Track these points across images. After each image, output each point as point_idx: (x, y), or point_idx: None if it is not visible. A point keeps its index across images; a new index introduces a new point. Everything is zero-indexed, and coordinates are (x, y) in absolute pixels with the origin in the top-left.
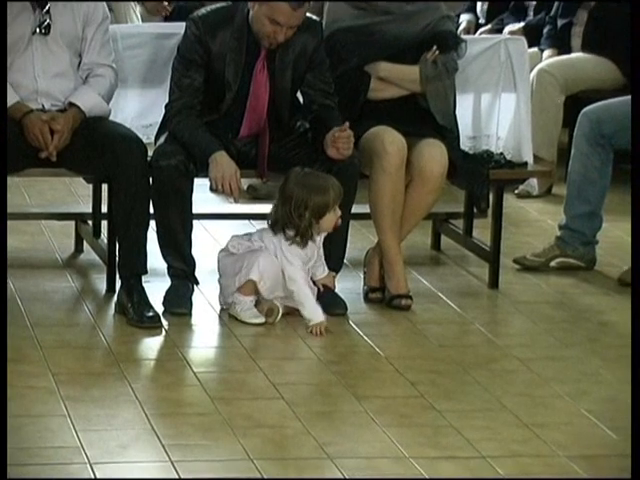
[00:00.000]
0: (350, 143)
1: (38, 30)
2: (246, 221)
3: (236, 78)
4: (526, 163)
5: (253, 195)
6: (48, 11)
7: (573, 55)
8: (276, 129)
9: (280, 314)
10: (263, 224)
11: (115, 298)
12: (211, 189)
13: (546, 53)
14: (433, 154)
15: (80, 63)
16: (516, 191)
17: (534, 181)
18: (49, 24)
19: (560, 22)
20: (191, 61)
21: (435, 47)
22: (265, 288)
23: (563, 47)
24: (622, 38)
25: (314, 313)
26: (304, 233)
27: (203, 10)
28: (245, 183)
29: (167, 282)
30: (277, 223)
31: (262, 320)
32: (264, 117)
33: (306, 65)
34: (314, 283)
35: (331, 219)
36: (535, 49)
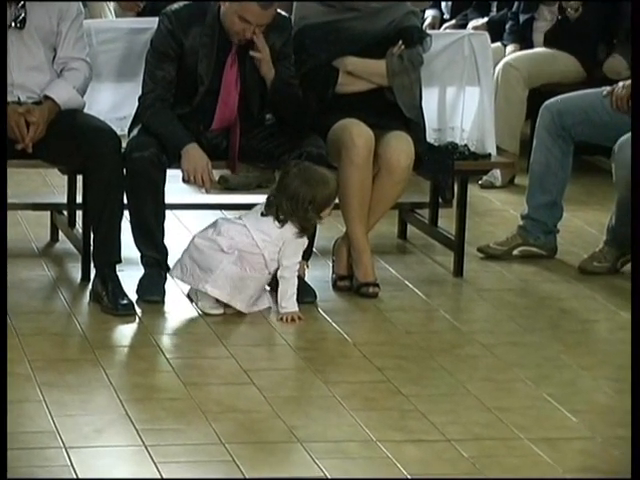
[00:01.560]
0: None
1: (13, 24)
2: (218, 211)
3: (208, 72)
4: (489, 154)
5: (224, 186)
6: (23, 6)
7: (537, 50)
8: (246, 122)
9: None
10: (234, 214)
11: (90, 286)
12: (184, 180)
13: (509, 48)
14: (400, 146)
15: (55, 57)
16: (480, 182)
17: (497, 172)
18: (24, 18)
19: (522, 17)
20: (164, 54)
21: (401, 42)
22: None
23: (525, 42)
24: (585, 34)
25: (292, 302)
26: (308, 226)
27: (176, 5)
28: (216, 174)
29: (141, 271)
30: (280, 216)
31: (221, 311)
32: (235, 111)
33: (274, 59)
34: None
35: (328, 210)
36: (498, 44)
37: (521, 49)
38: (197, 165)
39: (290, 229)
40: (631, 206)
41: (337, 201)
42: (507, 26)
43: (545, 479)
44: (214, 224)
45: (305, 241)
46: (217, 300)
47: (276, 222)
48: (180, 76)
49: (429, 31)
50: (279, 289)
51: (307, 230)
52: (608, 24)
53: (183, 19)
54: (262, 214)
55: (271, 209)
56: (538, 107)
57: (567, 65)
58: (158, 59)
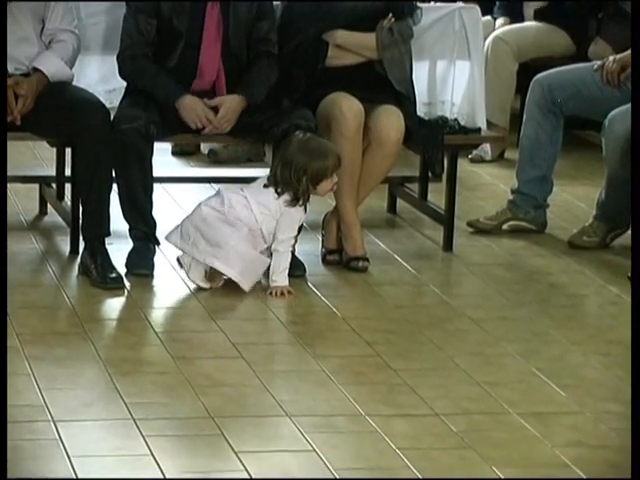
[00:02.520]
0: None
1: None
2: (207, 184)
3: (186, 24)
4: (479, 129)
5: (213, 159)
6: None
7: (527, 24)
8: (232, 73)
9: (222, 281)
10: (224, 188)
11: (79, 260)
12: (173, 153)
13: (499, 21)
14: (390, 120)
15: (43, 29)
16: (470, 156)
17: (487, 146)
18: None
19: None
20: (139, 8)
21: (390, 15)
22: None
23: (515, 16)
24: (576, 9)
25: (284, 277)
26: (301, 197)
27: None
28: (206, 148)
29: (130, 244)
30: (277, 185)
31: (208, 286)
32: (219, 61)
33: (255, 11)
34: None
35: (328, 185)
36: (488, 17)
37: (511, 23)
38: (198, 112)
39: (284, 199)
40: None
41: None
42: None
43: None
44: (217, 193)
45: (302, 215)
46: (206, 275)
47: (275, 194)
48: (158, 34)
49: (419, 4)
50: (272, 263)
51: (298, 200)
52: (590, 3)
53: None
54: (265, 185)
55: (271, 180)
56: (528, 82)
57: (557, 39)
58: (134, 13)
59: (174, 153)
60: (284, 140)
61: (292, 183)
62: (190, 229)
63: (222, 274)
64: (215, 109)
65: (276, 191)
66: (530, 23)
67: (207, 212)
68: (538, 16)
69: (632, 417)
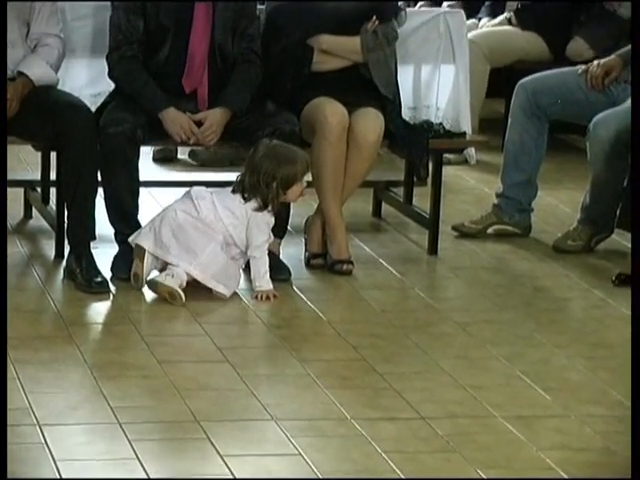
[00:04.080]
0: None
1: None
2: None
3: (173, 20)
4: (464, 133)
5: (194, 160)
6: None
7: (501, 27)
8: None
9: (184, 299)
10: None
11: (64, 264)
12: (155, 159)
13: (482, 21)
14: (368, 122)
15: (28, 33)
16: (452, 159)
17: (472, 150)
18: None
19: None
20: (125, 5)
21: (375, 17)
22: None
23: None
24: (552, 14)
25: (267, 281)
26: (270, 203)
27: None
28: (185, 150)
29: (115, 248)
30: (244, 191)
31: (183, 297)
32: (206, 56)
33: (239, 9)
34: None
35: (297, 190)
36: (473, 20)
37: (494, 25)
38: (181, 124)
39: (252, 205)
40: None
41: (308, 179)
42: (485, 1)
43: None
44: (187, 196)
45: (270, 218)
46: (180, 286)
47: (242, 199)
48: (145, 31)
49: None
50: (252, 270)
51: (267, 206)
52: (572, 5)
53: None
54: (232, 191)
55: (239, 186)
56: (512, 85)
57: (530, 43)
58: (121, 12)
59: (155, 160)
60: (252, 147)
61: (261, 189)
62: (164, 234)
63: (198, 282)
64: (199, 122)
65: (243, 197)
66: (505, 27)
67: (183, 218)
68: (515, 21)
69: (632, 417)
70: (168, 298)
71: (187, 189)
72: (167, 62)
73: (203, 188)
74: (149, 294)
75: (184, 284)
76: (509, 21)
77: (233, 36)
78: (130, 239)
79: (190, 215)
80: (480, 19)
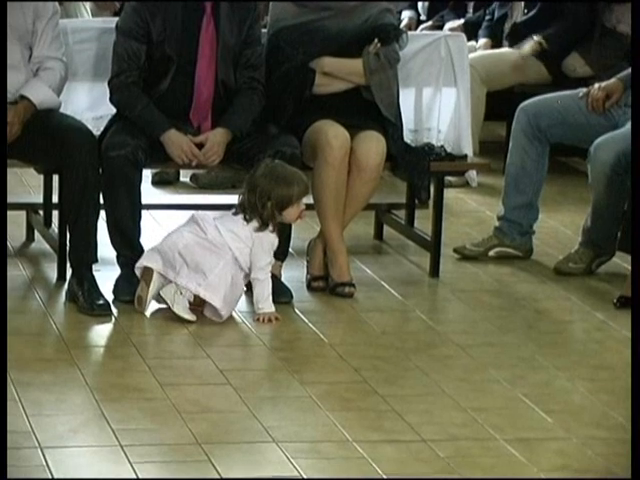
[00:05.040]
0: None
1: None
2: (192, 211)
3: (177, 49)
4: (466, 156)
5: (195, 184)
6: None
7: (499, 50)
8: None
9: (146, 308)
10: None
11: (66, 286)
12: (153, 182)
13: (480, 41)
14: (370, 145)
15: (30, 56)
16: (453, 181)
17: (473, 173)
18: None
19: (498, 14)
20: (129, 33)
21: (377, 40)
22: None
23: (497, 39)
24: (549, 36)
25: (269, 303)
26: (267, 222)
27: None
28: (187, 173)
29: (117, 270)
30: (245, 211)
31: (194, 318)
32: (212, 93)
33: (244, 36)
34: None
35: (294, 212)
36: (472, 42)
37: (492, 47)
38: (182, 146)
39: (254, 225)
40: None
41: (310, 202)
42: (483, 23)
43: (529, 479)
44: (192, 220)
45: (275, 240)
46: (190, 305)
47: (244, 221)
48: (148, 59)
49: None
50: (254, 291)
51: (267, 226)
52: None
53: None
54: (234, 213)
55: (240, 206)
56: (513, 108)
57: (528, 66)
58: (125, 39)
59: (154, 183)
60: (253, 167)
61: (257, 208)
62: (171, 255)
63: (204, 301)
64: (200, 144)
65: (244, 217)
66: (503, 50)
67: (190, 238)
68: (512, 43)
69: (632, 417)
70: (136, 297)
71: (190, 212)
72: (168, 92)
73: (206, 212)
74: (151, 317)
75: (187, 303)
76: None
77: (235, 67)
78: (137, 265)
79: (197, 235)
80: (478, 40)
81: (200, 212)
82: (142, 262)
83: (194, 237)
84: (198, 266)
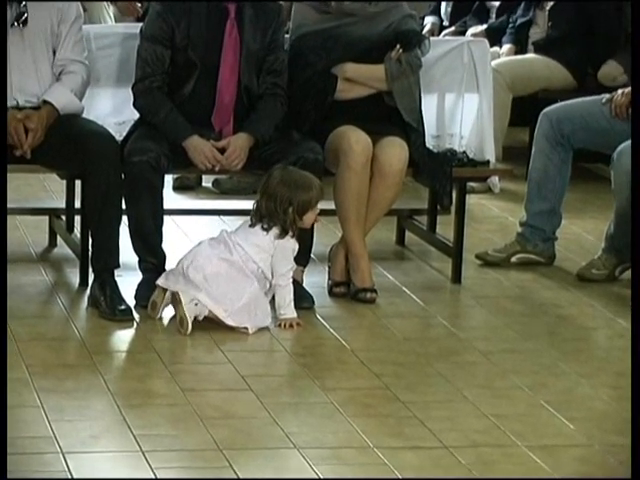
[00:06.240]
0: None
1: (16, 23)
2: (215, 217)
3: (201, 54)
4: (488, 161)
5: (217, 189)
6: (25, 5)
7: (525, 56)
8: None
9: (188, 331)
10: (232, 219)
11: (88, 291)
12: (174, 188)
13: (504, 47)
14: (393, 151)
15: (54, 59)
16: (475, 187)
17: (496, 179)
18: (27, 17)
19: (520, 21)
20: (154, 37)
21: (399, 45)
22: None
23: (521, 45)
24: (575, 42)
25: (291, 309)
26: (287, 229)
27: None
28: (209, 179)
29: (139, 276)
30: (262, 220)
31: (189, 330)
32: (234, 97)
33: (267, 42)
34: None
35: (312, 216)
36: (495, 47)
37: (516, 52)
38: (205, 152)
39: (274, 233)
40: (631, 215)
41: (330, 207)
42: (507, 29)
43: (537, 479)
44: (222, 239)
45: (295, 245)
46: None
47: (263, 230)
48: (172, 64)
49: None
50: (276, 298)
51: (287, 232)
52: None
53: (173, 3)
54: (250, 225)
55: (256, 216)
56: (536, 114)
57: (554, 73)
58: (149, 44)
59: (175, 188)
60: (265, 174)
61: (279, 215)
62: (197, 278)
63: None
64: (223, 149)
65: (262, 227)
66: (529, 55)
67: (218, 266)
68: (537, 49)
69: (632, 417)
70: (177, 321)
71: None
72: (191, 97)
73: (235, 232)
74: (172, 322)
75: (202, 316)
76: (535, 50)
77: (258, 73)
78: (159, 282)
79: (225, 260)
80: (502, 46)
81: (230, 231)
82: (165, 284)
83: (222, 263)
84: (226, 295)
